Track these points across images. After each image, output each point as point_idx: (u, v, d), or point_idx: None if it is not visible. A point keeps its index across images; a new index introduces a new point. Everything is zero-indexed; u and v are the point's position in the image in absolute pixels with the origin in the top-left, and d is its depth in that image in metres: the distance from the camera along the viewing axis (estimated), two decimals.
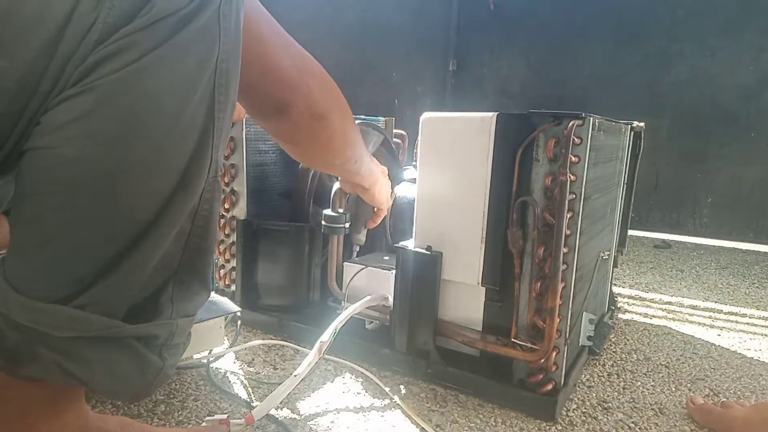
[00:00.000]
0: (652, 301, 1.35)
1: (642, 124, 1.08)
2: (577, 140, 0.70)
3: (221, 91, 0.42)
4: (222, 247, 1.06)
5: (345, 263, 0.96)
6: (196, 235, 0.46)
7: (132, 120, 0.38)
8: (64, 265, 0.40)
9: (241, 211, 1.02)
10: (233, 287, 1.05)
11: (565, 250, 0.70)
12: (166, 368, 0.46)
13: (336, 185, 0.92)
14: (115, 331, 0.42)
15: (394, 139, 1.28)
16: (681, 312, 1.27)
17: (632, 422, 0.74)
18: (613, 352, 0.99)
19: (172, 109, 0.39)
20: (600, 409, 0.78)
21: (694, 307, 1.31)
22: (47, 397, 0.48)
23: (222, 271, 1.07)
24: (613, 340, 1.05)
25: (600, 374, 0.89)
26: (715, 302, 1.36)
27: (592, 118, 0.70)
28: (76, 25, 0.36)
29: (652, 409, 0.78)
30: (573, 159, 0.70)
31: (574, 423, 0.73)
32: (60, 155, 0.38)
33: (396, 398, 0.77)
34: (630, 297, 1.37)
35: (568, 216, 0.71)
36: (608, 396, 0.82)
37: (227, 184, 1.03)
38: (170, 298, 0.45)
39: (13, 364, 0.42)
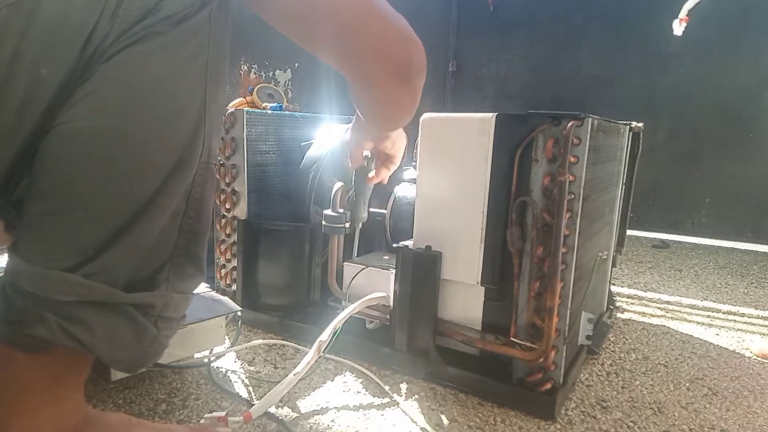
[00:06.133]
0: (650, 300, 1.35)
1: (641, 124, 1.08)
2: (575, 141, 0.70)
3: (211, 85, 0.47)
4: (223, 247, 1.07)
5: (345, 263, 0.96)
6: (190, 217, 0.50)
7: (131, 97, 0.43)
8: (72, 235, 0.44)
9: (242, 210, 1.03)
10: (234, 287, 1.06)
11: (563, 249, 0.71)
12: (161, 338, 0.50)
13: (337, 185, 0.92)
14: (114, 297, 0.45)
15: None
16: (679, 311, 1.27)
17: (631, 421, 0.75)
18: (612, 351, 1.00)
19: (167, 91, 0.45)
20: (599, 408, 0.78)
21: (692, 307, 1.32)
22: (49, 380, 0.49)
23: (223, 271, 1.08)
24: (612, 339, 1.06)
25: (599, 373, 0.90)
26: (714, 302, 1.37)
27: (590, 119, 0.71)
28: (99, 32, 0.41)
29: (650, 408, 0.79)
30: (572, 159, 0.70)
31: (573, 422, 0.74)
32: (71, 128, 0.42)
33: (396, 397, 0.78)
34: (629, 296, 1.38)
35: (567, 216, 0.71)
36: (607, 395, 0.82)
37: (228, 184, 1.03)
38: (166, 278, 0.50)
39: (20, 324, 0.44)
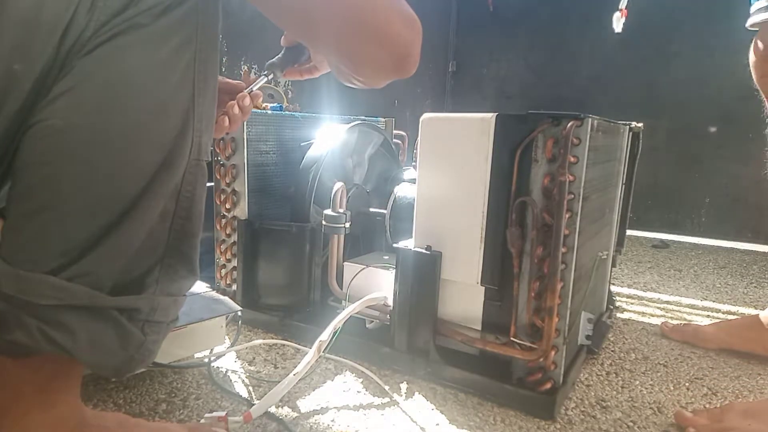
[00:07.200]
0: (650, 300, 1.36)
1: (640, 124, 1.08)
2: (575, 141, 0.70)
3: (200, 78, 0.45)
4: (223, 247, 1.07)
5: (345, 263, 0.96)
6: (181, 216, 0.48)
7: (111, 93, 0.42)
8: (52, 236, 0.42)
9: (242, 210, 1.03)
10: (234, 287, 1.06)
11: (563, 249, 0.71)
12: (148, 343, 0.48)
13: (337, 185, 0.92)
14: (97, 301, 0.44)
15: (394, 140, 1.29)
16: (679, 311, 1.27)
17: (630, 421, 0.75)
18: (612, 351, 1.00)
19: (150, 86, 0.43)
20: (598, 407, 0.78)
21: (692, 307, 1.32)
22: (38, 384, 0.48)
23: (223, 271, 1.08)
24: (612, 339, 1.06)
25: (598, 373, 0.90)
26: (714, 302, 1.37)
27: (590, 119, 0.71)
28: (76, 25, 0.40)
29: (650, 407, 0.79)
30: (571, 159, 0.70)
31: (573, 422, 0.74)
32: (49, 126, 0.41)
33: (396, 397, 0.78)
34: (628, 296, 1.38)
35: (567, 216, 0.71)
36: (607, 395, 0.82)
37: (228, 184, 1.03)
38: (155, 280, 0.48)
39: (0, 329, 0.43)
